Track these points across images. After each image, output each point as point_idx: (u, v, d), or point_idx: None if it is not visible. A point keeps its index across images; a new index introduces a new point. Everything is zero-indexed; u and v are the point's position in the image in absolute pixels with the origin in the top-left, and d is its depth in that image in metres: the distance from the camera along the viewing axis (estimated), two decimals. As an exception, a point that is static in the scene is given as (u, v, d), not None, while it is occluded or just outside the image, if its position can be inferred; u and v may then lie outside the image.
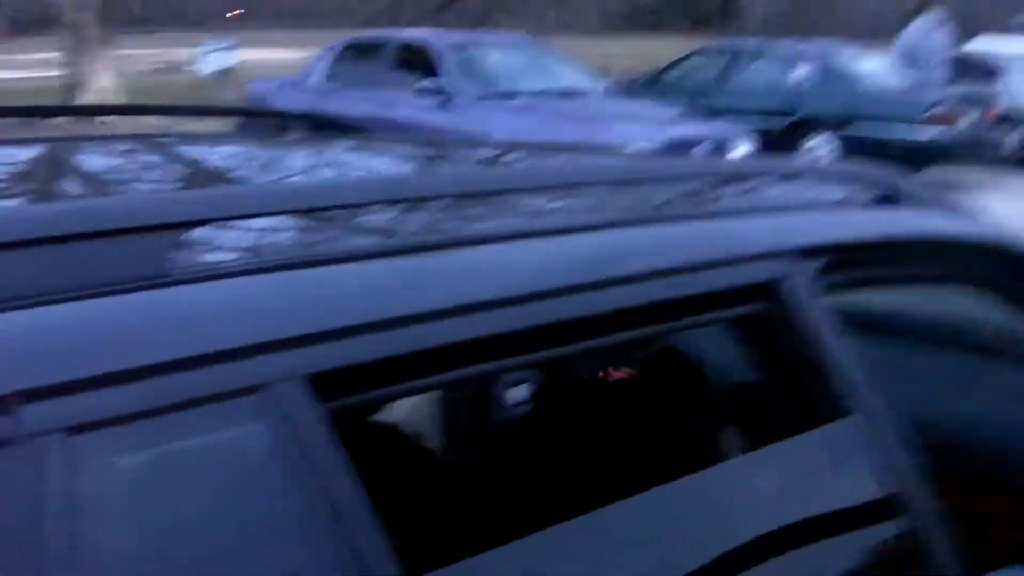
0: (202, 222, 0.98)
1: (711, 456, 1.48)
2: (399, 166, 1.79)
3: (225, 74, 13.43)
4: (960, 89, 12.09)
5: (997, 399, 2.32)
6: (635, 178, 1.45)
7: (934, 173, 11.51)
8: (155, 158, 1.62)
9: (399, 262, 1.08)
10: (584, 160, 1.81)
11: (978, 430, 2.27)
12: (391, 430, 1.74)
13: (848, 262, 1.43)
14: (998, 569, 1.95)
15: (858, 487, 1.28)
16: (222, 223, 1.02)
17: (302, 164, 1.71)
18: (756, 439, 1.32)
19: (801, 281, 1.31)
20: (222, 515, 0.85)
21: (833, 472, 1.29)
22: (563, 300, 1.13)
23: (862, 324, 2.47)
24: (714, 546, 1.19)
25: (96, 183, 1.44)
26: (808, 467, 1.29)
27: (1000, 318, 1.86)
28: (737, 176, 1.58)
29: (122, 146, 1.67)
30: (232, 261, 1.00)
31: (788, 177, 1.61)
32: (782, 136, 11.50)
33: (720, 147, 8.75)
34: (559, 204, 1.38)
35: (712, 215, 1.38)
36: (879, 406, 1.30)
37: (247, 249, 1.04)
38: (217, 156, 1.66)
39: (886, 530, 1.28)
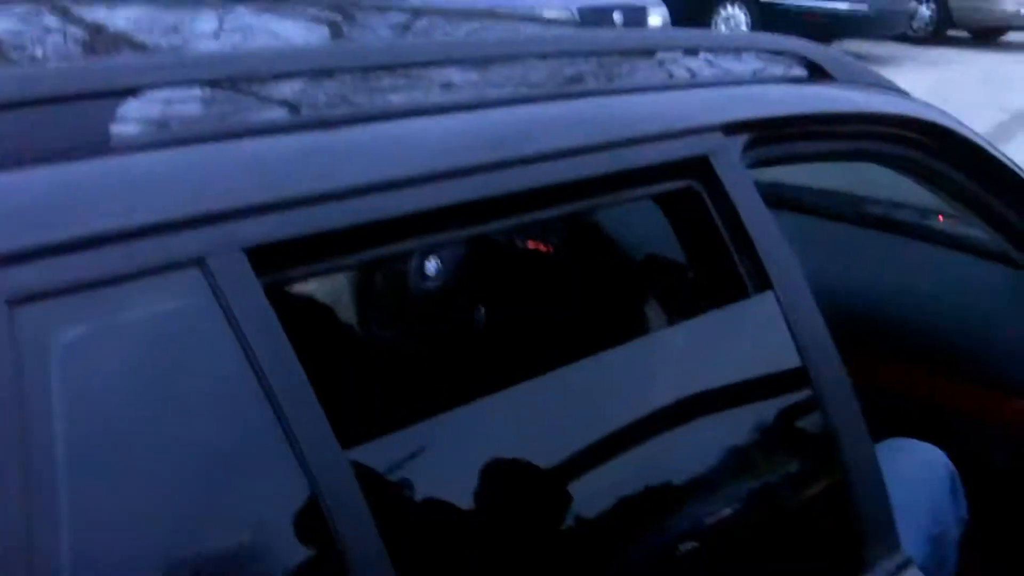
0: (133, 90, 0.95)
1: (633, 330, 1.49)
2: (312, 32, 1.74)
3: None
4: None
5: (911, 275, 2.39)
6: (559, 50, 1.43)
7: (846, 46, 11.58)
8: (65, 22, 1.55)
9: (331, 134, 1.06)
10: (507, 32, 1.77)
11: (884, 303, 2.33)
12: (316, 305, 1.73)
13: (774, 137, 1.44)
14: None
15: (774, 359, 1.31)
16: (149, 92, 0.98)
17: (212, 28, 1.65)
18: (678, 313, 1.34)
19: (728, 156, 1.32)
20: (160, 389, 0.84)
21: (751, 344, 1.32)
22: (488, 176, 1.12)
23: (779, 199, 2.52)
24: (633, 415, 1.21)
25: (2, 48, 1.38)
26: (727, 340, 1.31)
27: (917, 195, 1.90)
28: (662, 48, 1.56)
29: (26, 8, 1.59)
30: (162, 131, 0.97)
31: (714, 50, 1.60)
32: (697, 4, 11.43)
33: (634, 14, 8.66)
34: (481, 76, 1.35)
35: (638, 89, 1.37)
36: (797, 280, 1.32)
37: (174, 119, 1.01)
38: (129, 19, 1.60)
39: (798, 400, 1.31)
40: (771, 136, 1.43)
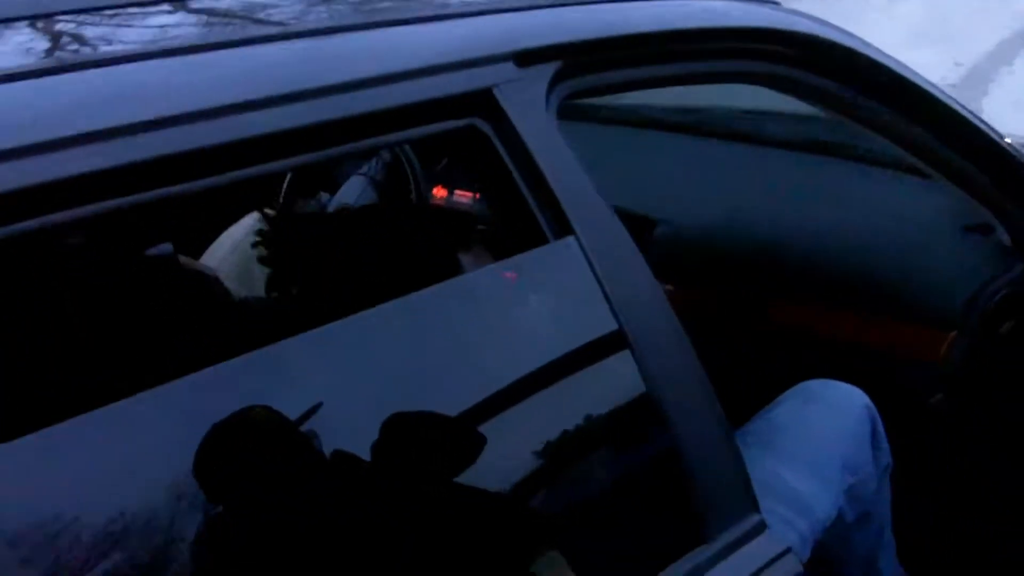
0: None
1: (426, 277, 1.32)
2: None
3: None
4: None
5: (821, 197, 2.25)
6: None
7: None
8: None
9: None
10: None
11: (800, 230, 2.18)
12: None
13: (591, 64, 1.29)
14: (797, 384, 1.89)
15: (576, 312, 1.17)
16: None
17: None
18: (474, 260, 1.19)
19: (519, 89, 1.17)
20: None
21: (548, 296, 1.17)
22: (255, 115, 0.98)
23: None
24: (428, 365, 1.07)
25: None
26: (525, 289, 1.17)
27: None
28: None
29: None
30: None
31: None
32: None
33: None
34: (244, 12, 1.21)
35: (417, 19, 1.21)
36: (605, 224, 1.18)
37: None
38: None
39: (607, 355, 1.16)
40: (588, 63, 1.28)
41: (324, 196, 2.55)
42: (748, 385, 2.22)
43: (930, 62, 7.27)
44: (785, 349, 2.18)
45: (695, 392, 1.21)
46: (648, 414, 1.17)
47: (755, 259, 2.25)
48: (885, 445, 1.88)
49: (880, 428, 1.87)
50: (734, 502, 1.23)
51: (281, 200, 2.32)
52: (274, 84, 1.02)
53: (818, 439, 1.81)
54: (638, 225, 2.47)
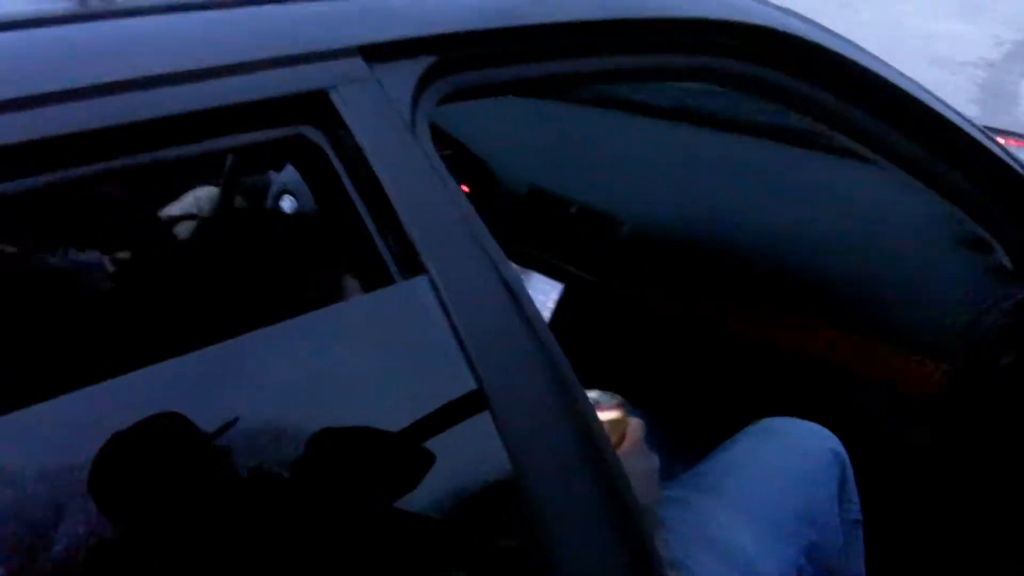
0: None
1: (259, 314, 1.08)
2: None
3: None
4: None
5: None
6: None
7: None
8: None
9: None
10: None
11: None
12: None
13: (488, 56, 1.06)
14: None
15: (429, 373, 0.93)
16: None
17: None
18: (309, 301, 0.95)
19: (369, 90, 0.93)
20: None
21: (399, 340, 0.94)
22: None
23: None
24: (267, 406, 0.86)
25: None
26: (369, 333, 0.93)
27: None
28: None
29: None
30: None
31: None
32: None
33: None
34: None
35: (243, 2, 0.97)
36: (478, 260, 0.94)
37: None
38: None
39: (463, 398, 0.92)
40: (481, 56, 1.05)
41: (271, 173, 2.33)
42: (704, 411, 1.98)
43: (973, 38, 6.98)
44: (746, 368, 1.94)
45: (573, 460, 0.96)
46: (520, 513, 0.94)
47: (714, 263, 2.00)
48: (855, 496, 1.64)
49: (850, 475, 1.64)
50: None
51: (224, 176, 2.10)
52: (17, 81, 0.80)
53: (775, 487, 1.58)
54: (604, 225, 2.24)
